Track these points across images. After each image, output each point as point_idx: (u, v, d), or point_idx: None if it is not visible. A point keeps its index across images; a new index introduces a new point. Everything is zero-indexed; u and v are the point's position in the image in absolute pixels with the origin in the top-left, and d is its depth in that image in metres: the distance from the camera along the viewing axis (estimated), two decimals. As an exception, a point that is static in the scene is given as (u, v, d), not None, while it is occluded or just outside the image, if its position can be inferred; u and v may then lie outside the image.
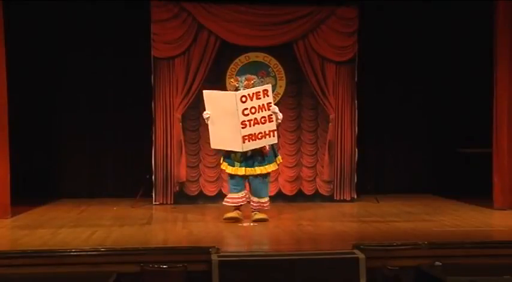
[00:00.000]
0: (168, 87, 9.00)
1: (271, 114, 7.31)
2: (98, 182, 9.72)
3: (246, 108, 7.22)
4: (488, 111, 8.58)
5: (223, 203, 7.65)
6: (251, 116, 7.24)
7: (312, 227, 7.31)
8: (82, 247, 5.94)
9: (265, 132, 7.30)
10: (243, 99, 7.21)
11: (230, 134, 7.29)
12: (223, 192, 8.70)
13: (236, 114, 7.20)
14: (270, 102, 7.31)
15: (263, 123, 7.28)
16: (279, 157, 7.64)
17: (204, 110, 7.52)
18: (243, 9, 9.02)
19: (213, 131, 7.46)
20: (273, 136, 7.38)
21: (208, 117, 7.41)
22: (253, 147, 7.34)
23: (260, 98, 7.25)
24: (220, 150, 7.80)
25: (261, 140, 7.32)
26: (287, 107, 9.26)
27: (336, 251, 5.90)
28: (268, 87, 7.40)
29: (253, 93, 7.24)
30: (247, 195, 7.56)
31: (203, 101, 8.92)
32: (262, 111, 7.27)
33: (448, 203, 9.09)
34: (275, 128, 7.40)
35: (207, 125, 7.57)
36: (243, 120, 7.21)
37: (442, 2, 9.56)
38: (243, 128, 7.22)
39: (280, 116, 7.43)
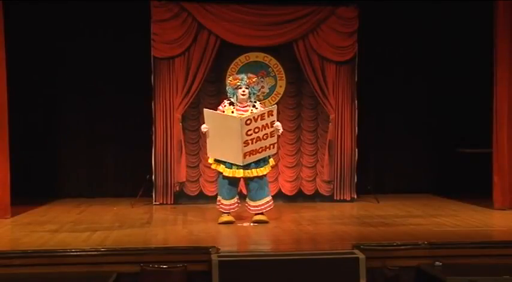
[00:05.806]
0: (168, 87, 8.99)
1: (274, 130, 7.27)
2: (98, 182, 9.72)
3: (250, 129, 7.14)
4: (488, 111, 8.58)
5: (217, 206, 7.57)
6: (254, 135, 7.17)
7: (312, 227, 7.31)
8: (82, 247, 5.94)
9: (266, 146, 7.28)
10: (248, 122, 7.11)
11: (230, 149, 7.21)
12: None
13: (239, 135, 7.11)
14: (274, 121, 7.24)
15: (265, 139, 7.25)
16: (272, 159, 7.57)
17: (203, 122, 7.37)
18: (243, 9, 9.02)
19: (211, 143, 7.34)
20: (273, 148, 7.37)
21: (207, 131, 7.30)
22: (253, 160, 7.31)
23: (264, 119, 7.18)
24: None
25: (261, 153, 7.31)
26: (287, 107, 9.27)
27: (336, 251, 5.90)
28: (274, 108, 7.31)
29: (258, 116, 7.16)
30: (238, 201, 7.54)
31: (203, 101, 9.01)
32: (265, 129, 7.21)
33: (448, 203, 9.09)
34: (276, 141, 7.39)
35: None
36: (245, 139, 7.15)
37: (442, 2, 9.55)
38: (245, 146, 7.16)
39: (281, 130, 7.38)
